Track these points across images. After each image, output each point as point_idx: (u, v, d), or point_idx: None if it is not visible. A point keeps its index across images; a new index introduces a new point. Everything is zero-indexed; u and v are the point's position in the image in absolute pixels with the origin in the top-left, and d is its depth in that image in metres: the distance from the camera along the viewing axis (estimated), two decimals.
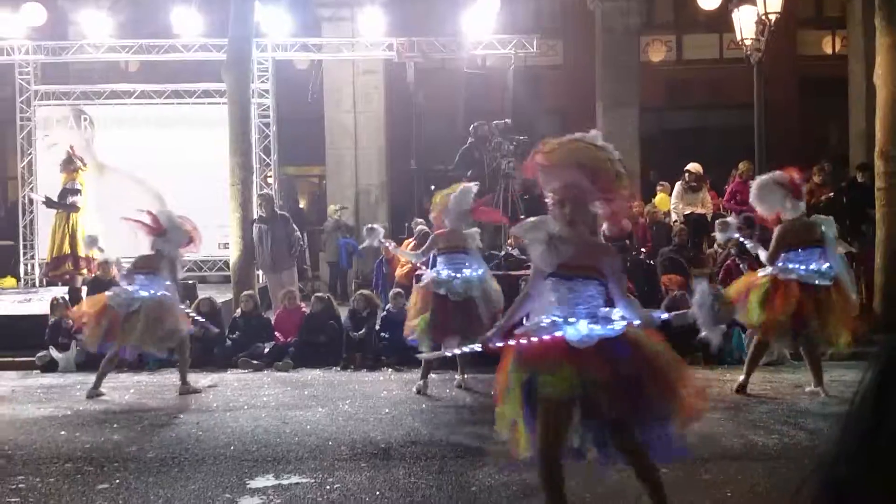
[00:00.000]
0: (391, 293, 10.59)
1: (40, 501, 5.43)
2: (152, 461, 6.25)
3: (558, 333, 4.18)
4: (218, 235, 13.48)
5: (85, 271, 11.95)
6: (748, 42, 12.46)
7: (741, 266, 11.07)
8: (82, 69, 16.41)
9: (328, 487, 5.50)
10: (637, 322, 4.26)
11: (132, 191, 14.11)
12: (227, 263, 13.27)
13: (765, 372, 9.05)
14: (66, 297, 11.20)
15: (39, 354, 10.31)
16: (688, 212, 13.33)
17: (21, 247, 14.52)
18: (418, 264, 9.01)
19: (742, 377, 8.21)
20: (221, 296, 11.91)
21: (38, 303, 12.04)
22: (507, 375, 4.28)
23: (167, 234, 8.63)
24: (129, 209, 8.85)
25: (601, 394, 4.10)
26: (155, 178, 14.34)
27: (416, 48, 14.72)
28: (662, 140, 18.91)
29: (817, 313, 7.57)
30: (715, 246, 12.41)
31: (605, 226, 4.82)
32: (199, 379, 9.40)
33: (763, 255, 7.95)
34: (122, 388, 9.10)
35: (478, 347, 4.75)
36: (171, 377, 9.57)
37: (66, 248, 11.82)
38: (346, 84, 16.07)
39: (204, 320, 9.53)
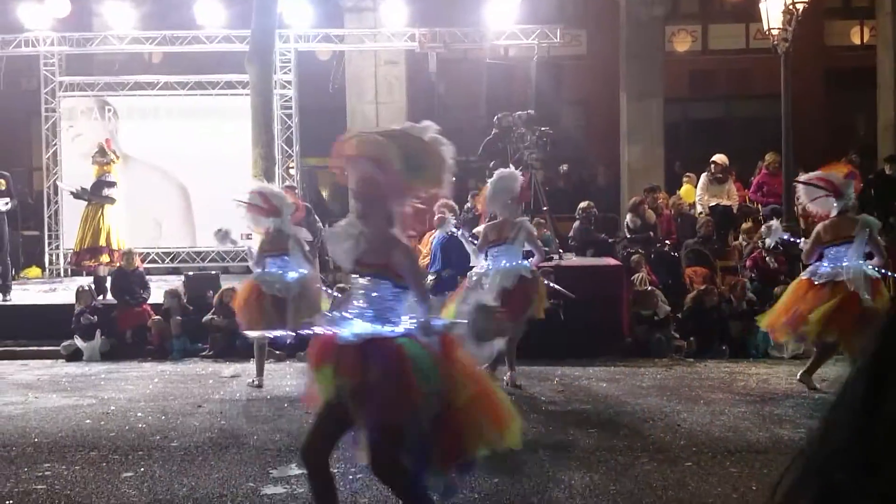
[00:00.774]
0: None
1: (66, 489, 5.46)
2: (176, 450, 6.28)
3: (334, 330, 4.02)
4: (240, 226, 13.47)
5: (106, 262, 11.96)
6: (775, 32, 12.28)
7: (767, 259, 10.97)
8: (106, 60, 16.50)
9: (350, 477, 5.49)
10: (413, 328, 3.95)
11: (154, 181, 14.32)
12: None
13: (791, 366, 9.00)
14: (92, 285, 11.28)
15: (65, 344, 10.37)
16: (713, 203, 13.20)
17: (46, 237, 14.64)
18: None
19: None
20: None
21: (63, 292, 12.13)
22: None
23: (282, 213, 8.26)
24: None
25: (350, 398, 3.90)
26: (177, 168, 14.59)
27: (439, 39, 14.65)
28: (687, 131, 18.74)
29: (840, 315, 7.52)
30: (740, 238, 12.30)
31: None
32: (222, 369, 9.44)
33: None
34: (147, 377, 9.15)
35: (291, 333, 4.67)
36: (194, 367, 9.61)
37: (102, 241, 11.80)
38: (368, 75, 16.04)
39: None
